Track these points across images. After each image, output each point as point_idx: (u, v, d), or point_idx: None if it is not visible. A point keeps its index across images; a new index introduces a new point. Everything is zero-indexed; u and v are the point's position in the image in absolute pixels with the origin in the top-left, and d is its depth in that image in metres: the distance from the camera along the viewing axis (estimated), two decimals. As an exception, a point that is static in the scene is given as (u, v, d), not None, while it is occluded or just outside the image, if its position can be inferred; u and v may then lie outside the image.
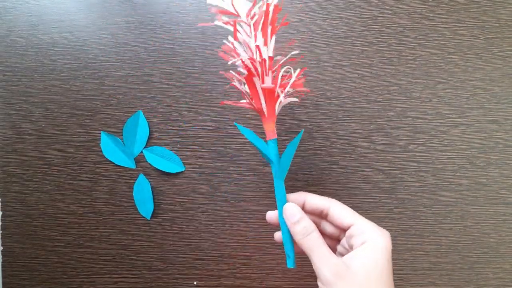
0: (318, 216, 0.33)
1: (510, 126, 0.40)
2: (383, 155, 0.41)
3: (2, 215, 0.44)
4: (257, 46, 0.29)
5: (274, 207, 0.42)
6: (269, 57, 0.30)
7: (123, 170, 0.43)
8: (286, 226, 0.31)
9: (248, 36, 0.30)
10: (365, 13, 0.41)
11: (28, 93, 0.44)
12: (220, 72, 0.30)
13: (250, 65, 0.29)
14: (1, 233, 0.44)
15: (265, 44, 0.29)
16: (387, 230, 0.32)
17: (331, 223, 0.32)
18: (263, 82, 0.30)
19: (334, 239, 0.32)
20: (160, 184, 0.43)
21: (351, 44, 0.41)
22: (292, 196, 0.33)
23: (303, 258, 0.42)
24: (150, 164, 0.42)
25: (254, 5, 0.29)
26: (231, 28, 0.30)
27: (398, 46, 0.41)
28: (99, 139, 0.43)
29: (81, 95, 0.43)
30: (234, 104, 0.32)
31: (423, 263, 0.41)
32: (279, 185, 0.32)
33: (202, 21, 0.42)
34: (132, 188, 0.43)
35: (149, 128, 0.43)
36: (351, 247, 0.29)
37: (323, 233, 0.33)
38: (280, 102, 0.31)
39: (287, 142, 0.41)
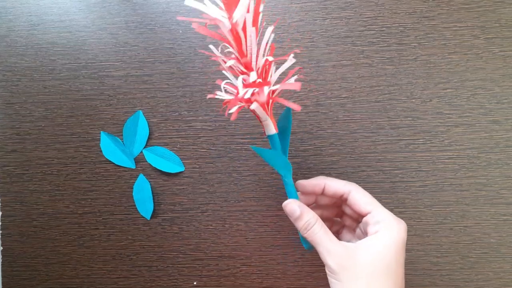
0: (339, 200, 0.32)
1: (510, 126, 0.40)
2: (384, 155, 0.41)
3: (2, 215, 0.44)
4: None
5: (274, 207, 0.42)
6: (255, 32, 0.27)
7: (123, 170, 0.43)
8: None
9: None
10: (365, 13, 0.41)
11: (28, 93, 0.44)
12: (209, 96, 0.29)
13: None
14: (1, 233, 0.44)
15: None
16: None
17: (350, 208, 0.31)
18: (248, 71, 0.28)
19: (355, 220, 0.32)
20: (160, 184, 0.43)
21: (351, 44, 0.41)
22: (311, 181, 0.33)
23: (300, 258, 0.42)
24: (150, 164, 0.42)
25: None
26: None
27: (399, 46, 0.41)
28: (99, 139, 0.43)
29: (80, 95, 0.43)
30: (229, 103, 0.30)
31: (423, 263, 0.41)
32: (289, 178, 0.32)
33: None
34: (132, 188, 0.43)
35: (149, 128, 0.42)
36: (366, 234, 0.29)
37: (344, 214, 0.33)
38: (272, 98, 0.29)
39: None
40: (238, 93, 0.28)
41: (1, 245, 0.44)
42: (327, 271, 0.29)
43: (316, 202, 0.35)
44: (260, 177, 0.42)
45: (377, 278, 0.27)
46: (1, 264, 0.44)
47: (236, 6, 0.26)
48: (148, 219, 0.43)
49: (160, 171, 0.42)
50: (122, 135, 0.43)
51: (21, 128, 0.44)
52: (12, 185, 0.44)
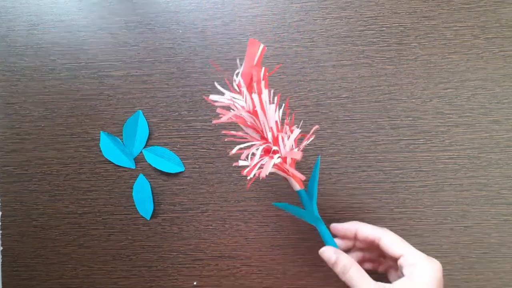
0: (371, 246, 0.34)
1: (511, 126, 0.40)
2: (384, 155, 0.41)
3: (2, 215, 0.44)
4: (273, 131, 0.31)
5: (274, 207, 0.42)
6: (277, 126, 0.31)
7: (122, 170, 0.43)
8: None
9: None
10: (365, 13, 0.41)
11: (28, 93, 0.44)
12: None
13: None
14: (1, 233, 0.44)
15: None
16: (391, 231, 0.32)
17: (384, 253, 0.33)
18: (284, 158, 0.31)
19: (395, 261, 0.33)
20: (160, 184, 0.43)
21: (351, 43, 0.41)
22: (343, 226, 0.35)
23: (300, 258, 0.42)
24: (149, 164, 0.42)
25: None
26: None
27: (399, 46, 0.41)
28: (99, 139, 0.43)
29: (80, 95, 0.43)
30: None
31: (424, 264, 0.41)
32: (321, 228, 0.34)
33: (202, 20, 0.42)
34: (132, 188, 0.43)
35: (149, 128, 0.42)
36: (403, 275, 0.30)
37: (384, 256, 0.34)
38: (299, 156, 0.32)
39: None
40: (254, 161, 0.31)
41: (1, 245, 0.44)
42: None
43: (356, 246, 0.36)
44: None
45: None
46: (1, 264, 0.44)
47: (250, 81, 0.30)
48: (148, 219, 0.43)
49: (160, 171, 0.42)
50: (122, 135, 0.43)
51: (21, 128, 0.44)
52: (12, 185, 0.44)
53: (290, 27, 0.41)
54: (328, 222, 0.35)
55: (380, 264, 0.36)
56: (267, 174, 0.29)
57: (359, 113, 0.41)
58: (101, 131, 0.43)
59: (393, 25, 0.41)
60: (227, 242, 0.42)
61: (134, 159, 0.43)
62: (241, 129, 0.33)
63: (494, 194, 0.40)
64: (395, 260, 0.32)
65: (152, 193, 0.42)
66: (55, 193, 0.43)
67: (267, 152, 0.32)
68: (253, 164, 0.30)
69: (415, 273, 0.29)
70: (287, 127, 0.31)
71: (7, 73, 0.44)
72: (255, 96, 0.30)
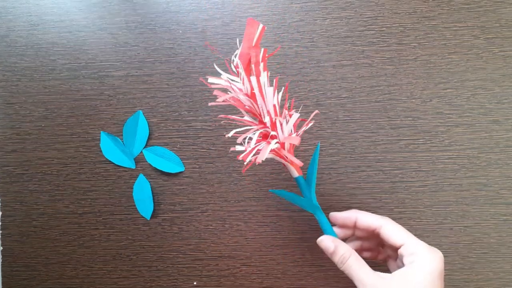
0: (371, 235, 0.33)
1: (510, 126, 0.40)
2: (384, 155, 0.41)
3: (2, 215, 0.44)
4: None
5: (274, 207, 0.42)
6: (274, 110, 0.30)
7: (123, 170, 0.43)
8: None
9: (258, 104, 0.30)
10: (365, 13, 0.41)
11: (28, 93, 0.44)
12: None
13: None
14: (1, 233, 0.44)
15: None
16: None
17: (384, 242, 0.32)
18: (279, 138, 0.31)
19: (394, 250, 0.32)
20: (160, 184, 0.43)
21: (351, 44, 0.41)
22: (343, 214, 0.34)
23: (300, 258, 0.42)
24: (150, 164, 0.42)
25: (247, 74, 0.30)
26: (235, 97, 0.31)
27: (399, 46, 0.41)
28: (99, 139, 0.43)
29: (80, 95, 0.43)
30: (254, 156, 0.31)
31: (424, 263, 0.41)
32: (320, 217, 0.33)
33: (202, 20, 0.42)
34: (132, 188, 0.43)
35: (149, 128, 0.42)
36: (403, 264, 0.30)
37: (383, 245, 0.34)
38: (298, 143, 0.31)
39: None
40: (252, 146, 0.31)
41: (1, 245, 0.44)
42: None
43: (354, 234, 0.35)
44: (260, 177, 0.42)
45: None
46: (1, 264, 0.44)
47: (248, 62, 0.29)
48: (148, 219, 0.43)
49: (160, 171, 0.42)
50: (122, 135, 0.43)
51: (21, 128, 0.44)
52: (12, 185, 0.44)
53: (290, 27, 0.41)
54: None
55: (379, 253, 0.35)
56: (264, 159, 0.28)
57: (359, 113, 0.41)
58: (101, 131, 0.43)
59: (393, 25, 0.41)
60: (227, 242, 0.42)
61: (134, 159, 0.43)
62: (239, 114, 0.32)
63: (494, 194, 0.40)
64: (395, 249, 0.31)
65: (152, 193, 0.42)
66: (55, 193, 0.44)
67: (265, 137, 0.31)
68: (249, 149, 0.29)
69: (416, 262, 0.28)
70: (286, 112, 0.30)
71: (8, 73, 0.44)
72: (253, 78, 0.29)
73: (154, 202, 0.42)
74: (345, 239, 0.35)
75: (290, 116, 0.30)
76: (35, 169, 0.44)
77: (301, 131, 0.31)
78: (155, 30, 0.43)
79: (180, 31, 0.42)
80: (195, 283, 0.43)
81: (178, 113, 0.42)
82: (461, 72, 0.40)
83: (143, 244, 0.43)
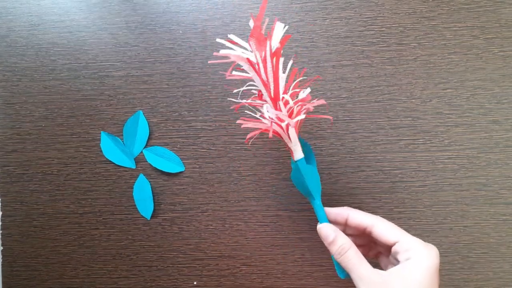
0: (362, 233, 0.32)
1: (510, 126, 0.40)
2: (383, 155, 0.41)
3: (2, 215, 0.44)
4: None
5: (274, 207, 0.42)
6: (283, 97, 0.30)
7: (123, 170, 0.43)
8: None
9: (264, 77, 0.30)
10: (365, 13, 0.41)
11: (28, 93, 0.44)
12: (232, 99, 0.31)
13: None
14: (1, 233, 0.44)
15: (276, 82, 0.30)
16: None
17: (376, 240, 0.32)
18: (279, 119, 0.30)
19: (386, 248, 0.32)
20: (160, 184, 0.43)
21: (351, 44, 0.41)
22: (334, 210, 0.33)
23: (300, 258, 0.42)
24: (150, 164, 0.42)
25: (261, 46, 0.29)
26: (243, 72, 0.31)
27: (398, 46, 0.41)
28: (99, 139, 0.43)
29: (81, 95, 0.43)
30: (254, 127, 0.31)
31: (423, 263, 0.41)
32: (317, 204, 0.33)
33: (202, 21, 0.42)
34: (132, 188, 0.43)
35: (149, 128, 0.43)
36: (397, 261, 0.29)
37: (374, 242, 0.33)
38: (299, 124, 0.31)
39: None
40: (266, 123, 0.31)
41: (1, 245, 0.44)
42: None
43: (345, 231, 0.34)
44: (260, 177, 0.42)
45: None
46: (1, 264, 0.44)
47: (264, 45, 0.29)
48: (148, 219, 0.43)
49: (160, 171, 0.42)
50: (122, 135, 0.43)
51: (21, 128, 0.44)
52: (12, 185, 0.44)
53: (290, 27, 0.41)
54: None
55: (370, 250, 0.35)
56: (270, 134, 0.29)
57: (359, 113, 0.41)
58: (101, 131, 0.43)
59: (393, 25, 0.41)
60: (227, 242, 0.42)
61: (135, 159, 0.43)
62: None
63: (493, 194, 0.40)
64: (387, 246, 0.31)
65: (153, 193, 0.42)
66: (56, 193, 0.44)
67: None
68: (256, 128, 0.29)
69: (413, 258, 0.28)
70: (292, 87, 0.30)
71: (8, 73, 0.44)
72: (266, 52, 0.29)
73: (154, 202, 0.43)
74: None
75: (297, 93, 0.30)
76: (35, 169, 0.44)
77: (308, 107, 0.31)
78: (155, 30, 0.43)
79: (180, 31, 0.42)
80: (195, 283, 0.43)
81: (178, 113, 0.42)
82: (461, 72, 0.40)
83: (143, 244, 0.43)
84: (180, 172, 0.42)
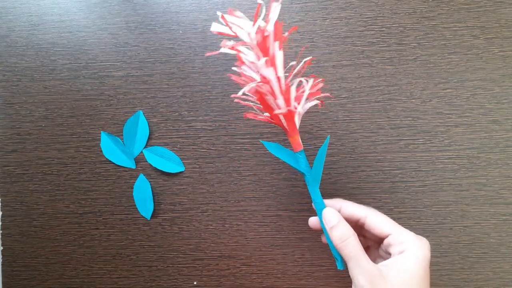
0: (354, 225, 0.32)
1: (510, 126, 0.40)
2: (383, 155, 0.41)
3: (2, 215, 0.44)
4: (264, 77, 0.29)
5: (274, 207, 0.42)
6: (278, 77, 0.29)
7: (123, 170, 0.43)
8: None
9: (255, 59, 0.29)
10: (365, 13, 0.41)
11: (28, 93, 0.44)
12: (233, 96, 0.30)
13: (261, 89, 0.29)
14: (1, 233, 0.44)
15: (272, 63, 0.29)
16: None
17: (369, 232, 0.31)
18: (277, 106, 0.30)
19: (376, 242, 0.32)
20: (160, 184, 0.43)
21: (351, 44, 0.41)
22: (327, 202, 0.33)
23: (300, 258, 0.42)
24: (150, 164, 0.42)
25: (255, 26, 0.29)
26: (236, 52, 0.30)
27: (398, 46, 0.41)
28: (99, 139, 0.43)
29: (81, 95, 0.43)
30: (256, 118, 0.32)
31: (423, 263, 0.41)
32: (315, 192, 0.32)
33: (202, 21, 0.42)
34: (132, 188, 0.43)
35: (149, 128, 0.43)
36: (389, 254, 0.30)
37: (364, 235, 0.33)
38: (299, 114, 0.31)
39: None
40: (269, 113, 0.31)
41: (1, 245, 0.44)
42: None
43: None
44: (260, 177, 0.42)
45: None
46: (1, 264, 0.44)
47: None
48: (148, 219, 0.43)
49: (160, 171, 0.42)
50: (122, 135, 0.43)
51: (21, 128, 0.44)
52: (12, 185, 0.44)
53: (290, 27, 0.41)
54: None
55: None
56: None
57: (359, 113, 0.41)
58: (101, 131, 0.43)
59: (393, 25, 0.41)
60: (227, 242, 0.42)
61: (135, 159, 0.43)
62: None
63: (493, 194, 0.40)
64: (378, 239, 0.31)
65: (153, 193, 0.43)
66: (56, 193, 0.44)
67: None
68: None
69: (408, 250, 0.28)
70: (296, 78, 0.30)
71: (8, 73, 0.44)
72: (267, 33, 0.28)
73: (154, 202, 0.43)
74: None
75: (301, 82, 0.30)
76: (35, 169, 0.44)
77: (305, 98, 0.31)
78: (156, 30, 0.43)
79: (181, 31, 0.42)
80: (195, 282, 0.43)
81: (178, 113, 0.42)
82: (461, 72, 0.40)
83: (143, 244, 0.43)
84: (180, 172, 0.42)
